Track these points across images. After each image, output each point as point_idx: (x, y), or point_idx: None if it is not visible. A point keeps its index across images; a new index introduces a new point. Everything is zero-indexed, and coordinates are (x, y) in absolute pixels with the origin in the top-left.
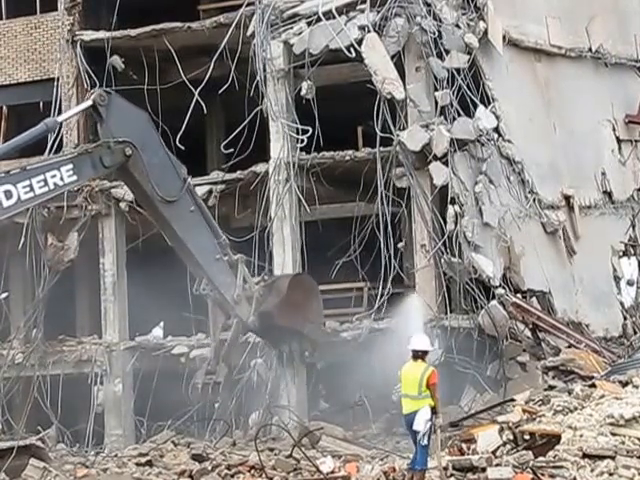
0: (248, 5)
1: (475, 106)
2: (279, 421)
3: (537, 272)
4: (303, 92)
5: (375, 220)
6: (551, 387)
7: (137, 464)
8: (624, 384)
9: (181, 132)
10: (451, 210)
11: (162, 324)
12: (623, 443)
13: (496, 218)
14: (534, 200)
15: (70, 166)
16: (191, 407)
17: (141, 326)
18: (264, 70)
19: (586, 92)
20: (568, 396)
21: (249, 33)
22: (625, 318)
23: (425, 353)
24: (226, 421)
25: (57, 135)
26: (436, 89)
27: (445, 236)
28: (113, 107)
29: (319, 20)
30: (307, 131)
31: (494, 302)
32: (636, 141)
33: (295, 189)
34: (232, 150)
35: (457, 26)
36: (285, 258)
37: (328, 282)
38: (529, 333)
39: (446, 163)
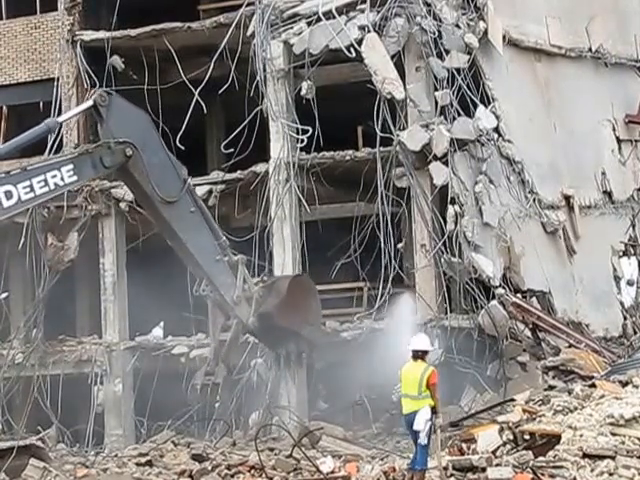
0: (248, 5)
1: (475, 106)
2: (279, 421)
3: (537, 272)
4: (303, 92)
5: (375, 220)
6: (551, 387)
7: (137, 464)
8: (624, 384)
9: (181, 132)
10: (451, 210)
11: (162, 324)
12: (623, 443)
13: (496, 218)
14: (534, 200)
15: (70, 166)
16: (191, 407)
17: (141, 326)
18: (264, 70)
19: (586, 92)
20: (568, 396)
21: (249, 33)
22: (625, 318)
23: (425, 353)
24: (226, 421)
25: (57, 135)
26: (436, 89)
27: (445, 236)
28: (114, 107)
29: (319, 20)
30: (307, 131)
31: (494, 302)
32: (636, 141)
33: (295, 189)
34: (232, 150)
35: (457, 26)
36: (285, 258)
37: (328, 282)
38: (529, 333)
39: (446, 163)
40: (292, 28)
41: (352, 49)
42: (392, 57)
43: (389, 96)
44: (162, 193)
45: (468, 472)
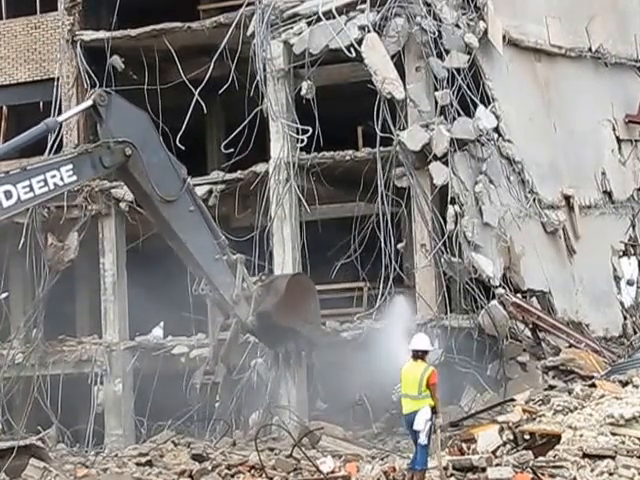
0: (248, 5)
1: (475, 106)
2: (279, 421)
3: (537, 272)
4: (303, 92)
5: (375, 220)
6: (551, 387)
7: (137, 464)
8: (624, 384)
9: (181, 132)
10: (451, 210)
11: (162, 324)
12: (623, 443)
13: (496, 218)
14: (534, 200)
15: (70, 166)
16: (191, 407)
17: (141, 326)
18: (264, 70)
19: (586, 92)
20: (568, 396)
21: (249, 33)
22: (625, 318)
23: (425, 353)
24: (226, 421)
25: (57, 135)
26: (436, 89)
27: (445, 236)
28: (113, 107)
29: (319, 20)
30: (307, 131)
31: (494, 302)
32: (636, 141)
33: (295, 189)
34: (232, 150)
35: (457, 26)
36: (285, 258)
37: (328, 282)
38: (529, 333)
39: (446, 163)
40: (292, 28)
41: (352, 49)
42: (392, 57)
43: (389, 96)
44: (161, 192)
45: (468, 472)
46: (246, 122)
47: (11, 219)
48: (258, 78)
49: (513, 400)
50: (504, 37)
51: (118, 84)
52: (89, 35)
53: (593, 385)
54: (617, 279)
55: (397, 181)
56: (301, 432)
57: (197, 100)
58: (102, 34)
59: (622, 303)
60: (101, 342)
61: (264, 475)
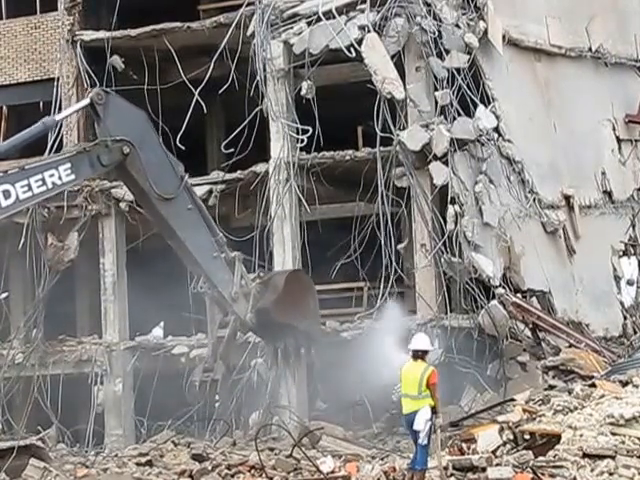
0: (248, 5)
1: (475, 106)
2: (279, 421)
3: (537, 272)
4: (303, 92)
5: (375, 220)
6: (551, 387)
7: (137, 464)
8: (624, 384)
9: (181, 132)
10: (451, 210)
11: (162, 324)
12: (623, 443)
13: (496, 218)
14: (534, 200)
15: (68, 165)
16: (191, 407)
17: (141, 326)
18: (264, 70)
19: (586, 92)
20: (568, 396)
21: (249, 33)
22: (625, 318)
23: (425, 353)
24: (226, 421)
25: (57, 135)
26: (436, 89)
27: (445, 236)
28: (111, 106)
29: (319, 20)
30: (307, 131)
31: (494, 302)
32: (636, 141)
33: (295, 189)
34: (232, 150)
35: (457, 26)
36: (285, 258)
37: (328, 282)
38: (529, 333)
39: (446, 163)
40: (292, 28)
41: (352, 49)
42: (392, 57)
43: (389, 96)
44: (159, 190)
45: (468, 472)
46: (246, 122)
47: (11, 219)
48: (258, 78)
49: (513, 400)
50: (504, 37)
51: (118, 84)
52: (89, 35)
53: (593, 385)
54: (617, 279)
55: (397, 181)
56: (301, 432)
57: (197, 100)
58: (102, 34)
59: (622, 303)
60: (101, 342)
61: (264, 475)
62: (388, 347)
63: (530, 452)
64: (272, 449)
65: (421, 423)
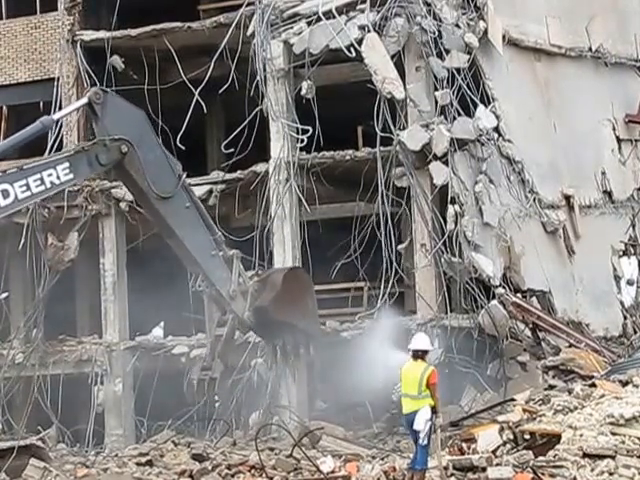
0: (248, 5)
1: (475, 106)
2: (279, 421)
3: (537, 272)
4: (303, 92)
5: (375, 220)
6: (551, 387)
7: (137, 464)
8: (624, 384)
9: (181, 132)
10: (451, 210)
11: (162, 324)
12: (623, 442)
13: (496, 218)
14: (534, 200)
15: (66, 164)
16: (191, 407)
17: (141, 326)
18: (264, 70)
19: (586, 92)
20: (568, 396)
21: (249, 33)
22: (625, 317)
23: (425, 353)
24: (226, 421)
25: (57, 135)
26: (436, 89)
27: (445, 236)
28: (109, 105)
29: (319, 20)
30: (307, 131)
31: (494, 302)
32: (636, 141)
33: (295, 189)
34: (232, 150)
35: (457, 26)
36: (285, 258)
37: (328, 282)
38: (529, 333)
39: (446, 163)
40: (292, 28)
41: (352, 49)
42: (392, 57)
43: (389, 96)
44: (158, 189)
45: (468, 472)
46: (246, 122)
47: (10, 219)
48: (258, 78)
49: (513, 400)
50: (504, 37)
51: (118, 84)
52: (89, 35)
53: (593, 385)
54: (617, 279)
55: (397, 181)
56: (301, 432)
57: (197, 100)
58: (102, 34)
59: (622, 303)
60: (101, 342)
61: (264, 475)
62: (386, 349)
63: (530, 452)
64: (272, 449)
65: (421, 423)
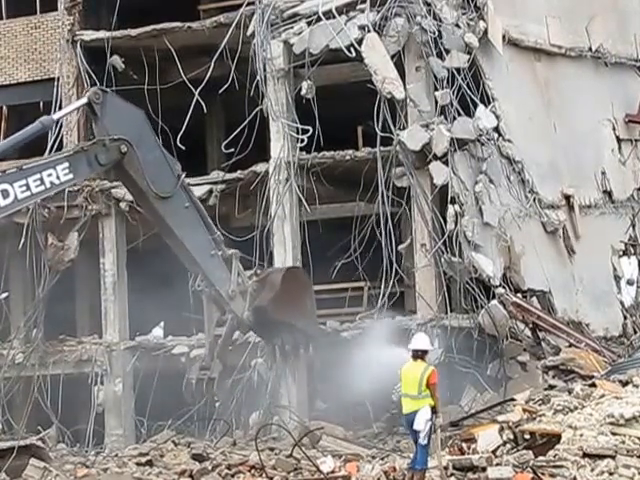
0: (248, 5)
1: (475, 106)
2: (279, 421)
3: (537, 272)
4: (303, 92)
5: (375, 220)
6: (551, 386)
7: (137, 464)
8: (624, 383)
9: (181, 132)
10: (451, 210)
11: (162, 324)
12: (623, 442)
13: (496, 218)
14: (534, 200)
15: (66, 164)
16: (191, 407)
17: (141, 326)
18: (264, 70)
19: (586, 92)
20: (568, 395)
21: (249, 33)
22: (625, 317)
23: (425, 353)
24: (226, 421)
25: (57, 135)
26: (436, 89)
27: (445, 236)
28: (108, 105)
29: (319, 20)
30: (307, 131)
31: (494, 302)
32: (636, 140)
33: (295, 189)
34: (232, 150)
35: (457, 26)
36: (285, 258)
37: (328, 282)
38: (529, 332)
39: (446, 163)
40: (292, 28)
41: (352, 49)
42: (392, 57)
43: (389, 96)
44: (157, 189)
45: (468, 472)
46: (246, 122)
47: (10, 218)
48: (258, 78)
49: (513, 400)
50: (504, 37)
51: (118, 84)
52: (89, 35)
53: (593, 385)
54: (617, 279)
55: (397, 181)
56: (301, 432)
57: (197, 100)
58: (102, 34)
59: (622, 303)
60: (101, 342)
61: (264, 475)
62: (385, 347)
63: (530, 452)
64: (272, 449)
65: (421, 423)
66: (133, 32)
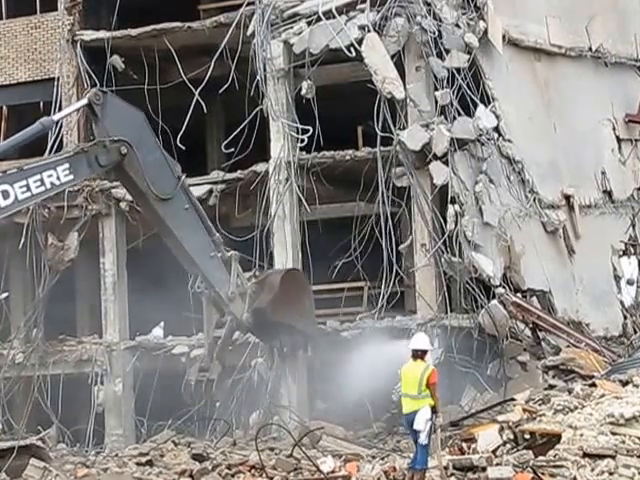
0: (248, 5)
1: (475, 105)
2: (279, 421)
3: (537, 271)
4: (303, 92)
5: (375, 220)
6: (551, 386)
7: (137, 464)
8: (624, 383)
9: (181, 132)
10: (451, 209)
11: (162, 324)
12: (623, 442)
13: (496, 217)
14: (534, 199)
15: (66, 165)
16: (191, 407)
17: (141, 326)
18: (264, 70)
19: (586, 91)
20: (568, 395)
21: (249, 33)
22: (625, 317)
23: (425, 352)
24: (226, 421)
25: (57, 136)
26: (436, 89)
27: (445, 236)
28: (108, 106)
29: (319, 20)
30: (307, 131)
31: (494, 301)
32: (636, 140)
33: (295, 189)
34: (232, 150)
35: (457, 26)
36: (286, 258)
37: (328, 282)
38: (529, 332)
39: (446, 162)
40: (292, 28)
41: (352, 49)
42: (392, 57)
43: (389, 96)
44: (157, 191)
45: (468, 471)
46: (246, 122)
47: (10, 219)
48: (258, 78)
49: (513, 400)
50: (504, 37)
51: (118, 84)
52: (89, 35)
53: (593, 384)
54: (617, 278)
55: (397, 181)
56: (301, 432)
57: (197, 100)
58: (102, 34)
59: (622, 302)
60: (101, 342)
61: (264, 475)
62: (384, 344)
63: (530, 452)
64: (272, 449)
65: (421, 423)
66: (133, 32)
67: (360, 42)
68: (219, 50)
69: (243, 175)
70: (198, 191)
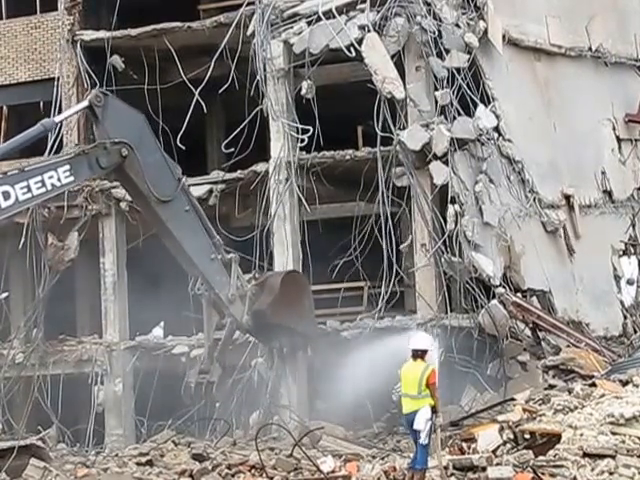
0: (248, 5)
1: (475, 105)
2: (279, 420)
3: (537, 271)
4: (303, 92)
5: (375, 220)
6: (551, 386)
7: (137, 464)
8: (624, 383)
9: (181, 132)
10: (451, 209)
11: (162, 324)
12: (623, 442)
13: (496, 217)
14: (534, 199)
15: (67, 167)
16: (191, 407)
17: (141, 326)
18: (264, 70)
19: (586, 91)
20: (568, 395)
21: (249, 33)
22: (625, 317)
23: (425, 352)
24: (227, 421)
25: (57, 136)
26: (436, 88)
27: (445, 235)
28: (109, 108)
29: (319, 20)
30: (307, 130)
31: (494, 301)
32: (636, 140)
33: (295, 188)
34: (232, 150)
35: (457, 25)
36: (286, 258)
37: (328, 281)
38: (529, 332)
39: (446, 162)
40: (292, 28)
41: (352, 49)
42: (392, 57)
43: (389, 96)
44: (157, 192)
45: (468, 471)
46: (246, 122)
47: (11, 219)
48: (258, 78)
49: (513, 399)
50: (504, 36)
51: (118, 84)
52: (89, 35)
53: (593, 384)
54: (617, 278)
55: (397, 181)
56: (301, 432)
57: (197, 100)
58: (102, 34)
59: (622, 302)
60: (101, 342)
61: (264, 475)
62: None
63: (530, 451)
64: (272, 449)
65: (421, 423)
66: (133, 32)
67: (360, 42)
68: (219, 50)
69: (243, 175)
70: (198, 191)
